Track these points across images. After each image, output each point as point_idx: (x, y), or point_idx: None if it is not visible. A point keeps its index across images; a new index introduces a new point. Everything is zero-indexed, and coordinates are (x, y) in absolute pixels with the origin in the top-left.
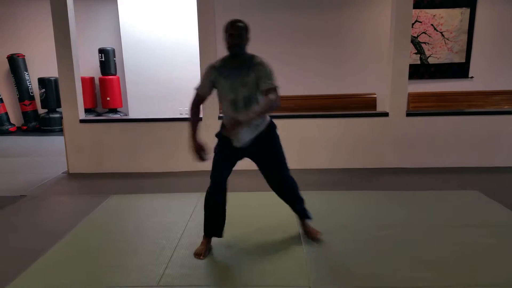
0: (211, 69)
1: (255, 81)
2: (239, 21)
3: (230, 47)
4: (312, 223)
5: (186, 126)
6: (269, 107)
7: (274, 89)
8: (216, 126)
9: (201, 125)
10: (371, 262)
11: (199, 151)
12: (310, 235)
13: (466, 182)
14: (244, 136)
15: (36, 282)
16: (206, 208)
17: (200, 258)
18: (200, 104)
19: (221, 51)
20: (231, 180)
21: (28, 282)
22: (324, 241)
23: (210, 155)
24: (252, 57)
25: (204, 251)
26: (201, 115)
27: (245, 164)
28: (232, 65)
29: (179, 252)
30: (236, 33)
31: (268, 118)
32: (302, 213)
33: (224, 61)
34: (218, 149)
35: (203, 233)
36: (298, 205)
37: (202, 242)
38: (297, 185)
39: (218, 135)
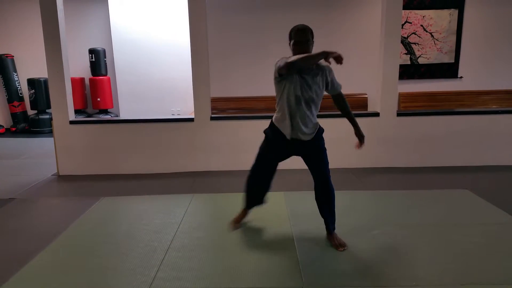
0: None
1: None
2: None
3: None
4: (304, 223)
5: (177, 126)
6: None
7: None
8: (208, 126)
9: (194, 126)
10: (363, 261)
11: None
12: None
13: (456, 181)
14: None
15: (25, 286)
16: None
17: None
18: None
19: (213, 51)
20: (219, 181)
21: (18, 286)
22: (316, 240)
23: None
24: None
25: (240, 219)
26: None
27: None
28: None
29: (171, 255)
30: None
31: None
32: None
33: None
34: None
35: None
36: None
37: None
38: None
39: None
